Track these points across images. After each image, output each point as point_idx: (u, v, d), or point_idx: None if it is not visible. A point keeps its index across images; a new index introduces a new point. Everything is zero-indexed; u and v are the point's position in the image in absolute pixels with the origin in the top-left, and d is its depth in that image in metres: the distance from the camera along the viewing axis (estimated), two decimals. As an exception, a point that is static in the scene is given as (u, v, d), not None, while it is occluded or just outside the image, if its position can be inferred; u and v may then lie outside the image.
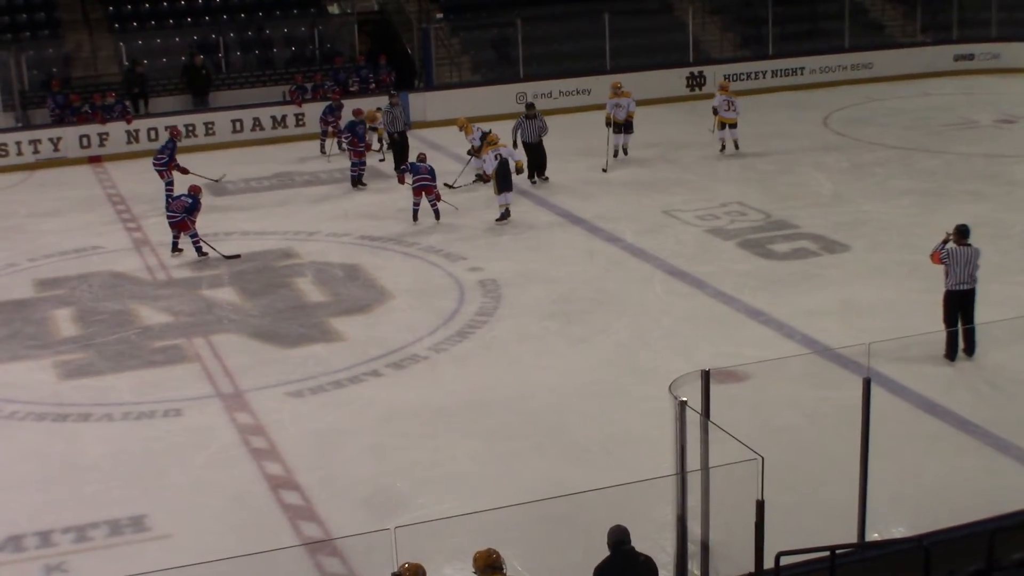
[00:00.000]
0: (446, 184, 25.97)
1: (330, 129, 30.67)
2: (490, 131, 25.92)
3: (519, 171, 24.81)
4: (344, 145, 29.02)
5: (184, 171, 25.59)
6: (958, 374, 16.11)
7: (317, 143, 31.30)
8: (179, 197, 22.87)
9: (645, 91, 31.67)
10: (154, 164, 26.37)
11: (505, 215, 24.00)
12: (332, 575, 12.07)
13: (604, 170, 27.70)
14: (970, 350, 16.40)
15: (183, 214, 22.38)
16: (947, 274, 16.34)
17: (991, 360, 16.31)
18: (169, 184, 25.37)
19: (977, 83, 36.97)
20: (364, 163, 27.48)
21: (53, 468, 14.75)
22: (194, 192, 22.83)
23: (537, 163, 27.12)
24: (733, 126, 29.00)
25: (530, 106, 27.70)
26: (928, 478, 13.40)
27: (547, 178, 27.11)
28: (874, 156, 28.27)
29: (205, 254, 22.40)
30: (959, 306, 16.34)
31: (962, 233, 16.38)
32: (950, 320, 16.38)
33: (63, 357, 18.27)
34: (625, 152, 28.91)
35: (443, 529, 10.89)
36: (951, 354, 16.34)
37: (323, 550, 12.41)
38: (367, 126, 28.02)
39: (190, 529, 13.09)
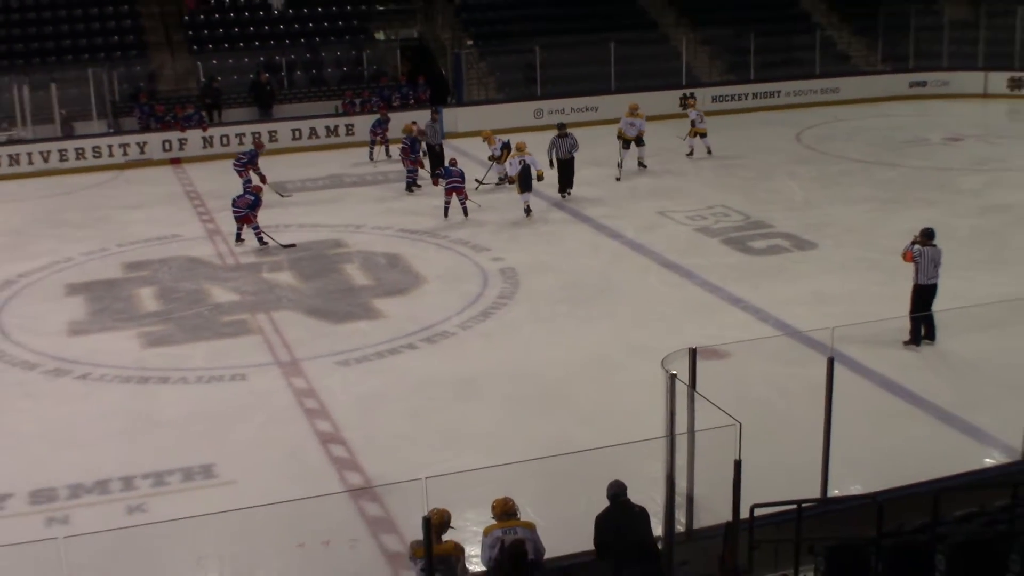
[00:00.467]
0: (476, 180, 26.08)
1: (378, 139, 30.63)
2: (508, 141, 26.16)
3: (539, 178, 24.54)
4: (390, 152, 29.49)
5: (263, 178, 25.65)
6: (910, 356, 16.00)
7: (365, 150, 31.19)
8: (243, 195, 22.85)
9: (644, 109, 31.38)
10: (234, 165, 26.50)
11: (527, 211, 24.12)
12: (372, 517, 12.09)
13: (618, 179, 27.33)
14: (931, 336, 16.27)
15: (246, 210, 22.38)
16: (916, 271, 16.18)
17: (939, 345, 16.20)
18: (247, 183, 25.42)
19: (929, 106, 36.77)
20: (417, 171, 27.26)
21: (136, 423, 14.80)
22: (256, 191, 22.87)
23: (567, 178, 25.89)
24: (704, 135, 29.60)
25: (562, 126, 26.23)
26: (882, 444, 13.32)
27: (569, 192, 25.82)
28: (839, 168, 28.14)
29: (265, 244, 22.37)
30: (925, 299, 16.19)
31: (928, 235, 16.25)
32: (917, 311, 16.19)
33: (146, 329, 18.30)
34: (644, 165, 28.50)
35: (467, 480, 10.86)
36: (916, 340, 16.20)
37: (364, 496, 12.43)
38: (422, 142, 27.82)
39: (252, 477, 13.12)
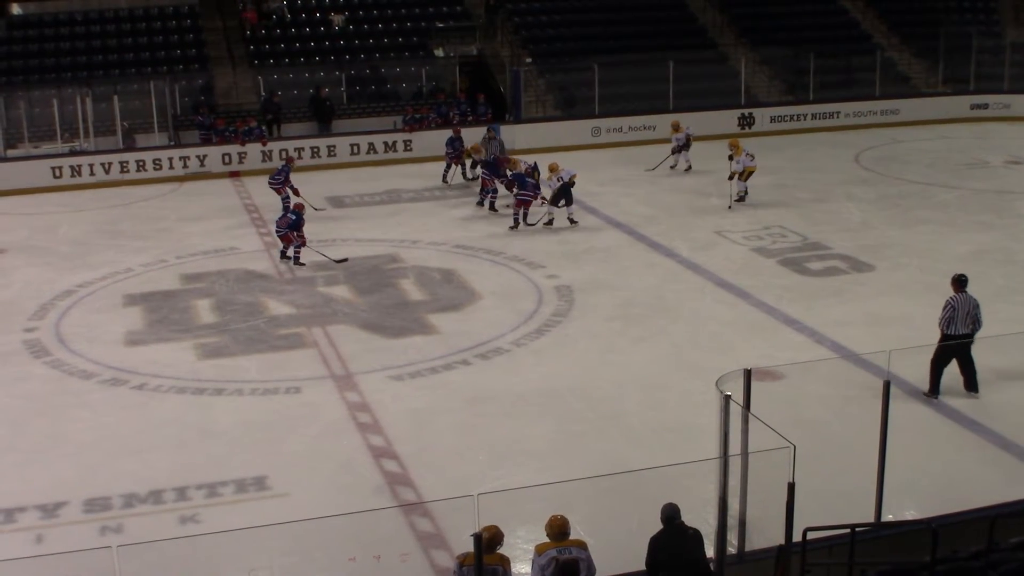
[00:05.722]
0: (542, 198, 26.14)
1: (452, 160, 30.30)
2: (535, 164, 26.08)
3: (572, 184, 25.01)
4: (467, 173, 29.98)
5: (296, 192, 25.61)
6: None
7: (423, 166, 31.24)
8: (285, 215, 22.85)
9: (702, 129, 31.54)
10: (270, 183, 26.46)
11: (572, 221, 24.85)
12: (423, 532, 12.08)
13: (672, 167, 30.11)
14: None
15: (286, 229, 22.37)
16: None
17: (995, 369, 15.98)
18: (285, 199, 25.52)
19: (990, 129, 36.38)
20: (496, 191, 26.74)
21: (190, 434, 14.90)
22: (297, 210, 22.86)
23: (963, 367, 15.21)
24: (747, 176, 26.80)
25: (963, 280, 15.20)
26: (937, 469, 13.20)
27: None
28: (898, 189, 27.90)
29: (302, 264, 22.33)
30: None
31: None
32: None
33: (202, 340, 18.43)
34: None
35: (518, 497, 10.84)
36: None
37: (416, 511, 12.43)
38: (504, 168, 27.51)
39: (305, 489, 13.16)
